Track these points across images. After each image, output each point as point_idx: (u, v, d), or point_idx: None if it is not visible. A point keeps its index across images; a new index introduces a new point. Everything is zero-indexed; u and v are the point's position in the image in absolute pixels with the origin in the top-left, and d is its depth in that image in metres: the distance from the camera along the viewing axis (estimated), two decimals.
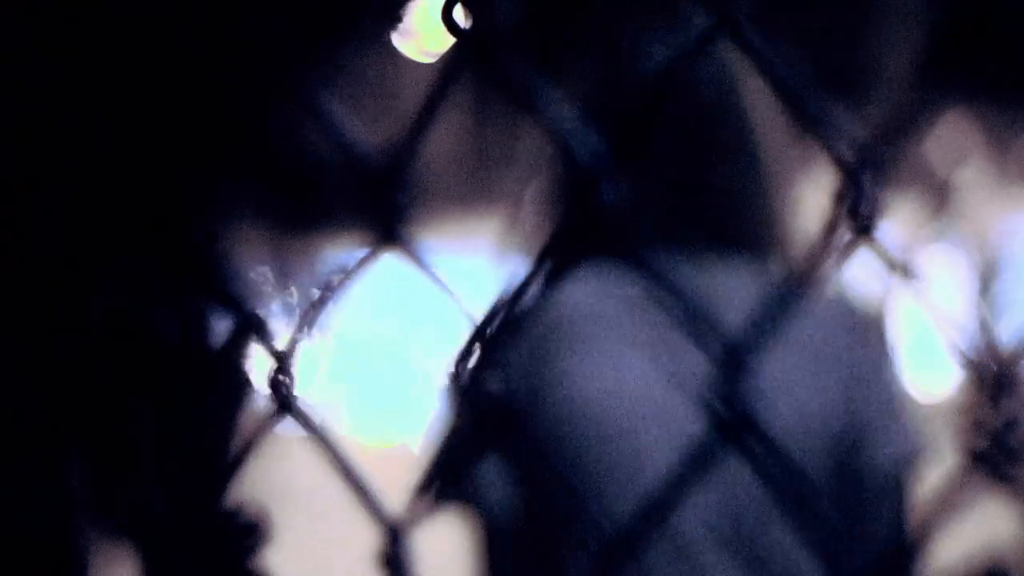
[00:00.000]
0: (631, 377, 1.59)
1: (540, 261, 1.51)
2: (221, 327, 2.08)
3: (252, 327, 2.06)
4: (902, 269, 4.08)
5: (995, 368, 3.67)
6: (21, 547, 1.92)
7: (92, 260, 1.91)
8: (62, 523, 1.94)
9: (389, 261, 1.46)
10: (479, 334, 1.23)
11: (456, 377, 1.27)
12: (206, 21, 1.76)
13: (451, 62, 1.56)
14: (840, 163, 1.10)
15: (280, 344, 1.97)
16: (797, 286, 1.13)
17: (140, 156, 1.90)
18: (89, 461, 1.97)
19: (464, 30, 1.41)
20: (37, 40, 1.75)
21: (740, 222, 1.69)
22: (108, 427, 2.01)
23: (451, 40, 1.58)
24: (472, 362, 1.23)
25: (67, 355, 1.89)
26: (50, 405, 1.88)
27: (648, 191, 1.72)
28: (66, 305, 1.88)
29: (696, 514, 1.55)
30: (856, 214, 1.05)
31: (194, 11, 1.76)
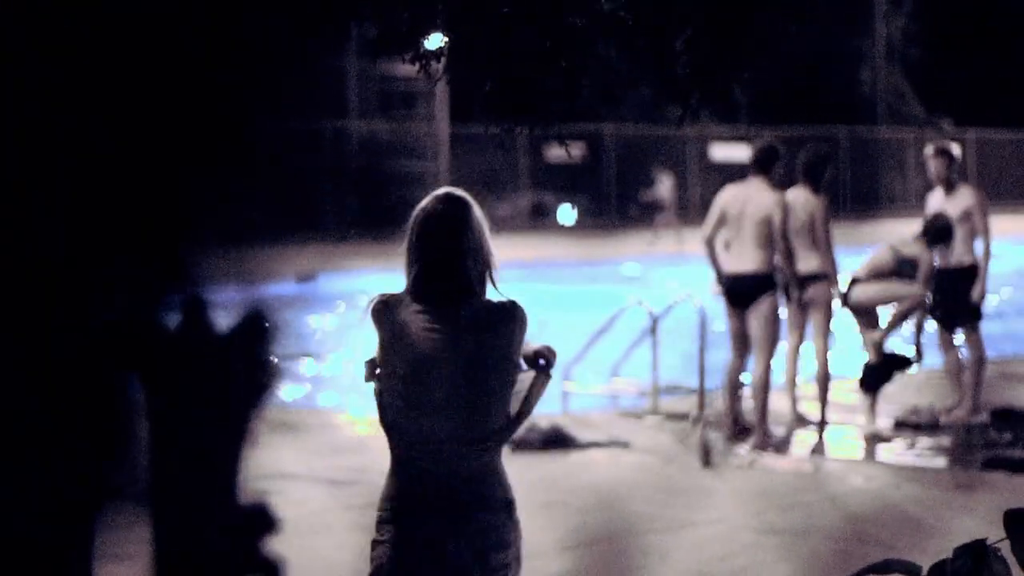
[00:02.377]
0: None
1: None
2: (220, 325, 2.08)
3: (252, 325, 2.06)
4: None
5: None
6: (21, 547, 1.91)
7: (92, 260, 1.90)
8: (62, 523, 1.94)
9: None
10: None
11: None
12: (206, 21, 1.76)
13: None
14: None
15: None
16: None
17: (140, 157, 1.90)
18: (89, 461, 1.97)
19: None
20: (37, 40, 1.75)
21: None
22: (108, 427, 2.01)
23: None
24: None
25: (67, 355, 1.89)
26: (50, 405, 1.88)
27: None
28: (66, 305, 1.88)
29: None
30: None
31: (194, 11, 1.76)
